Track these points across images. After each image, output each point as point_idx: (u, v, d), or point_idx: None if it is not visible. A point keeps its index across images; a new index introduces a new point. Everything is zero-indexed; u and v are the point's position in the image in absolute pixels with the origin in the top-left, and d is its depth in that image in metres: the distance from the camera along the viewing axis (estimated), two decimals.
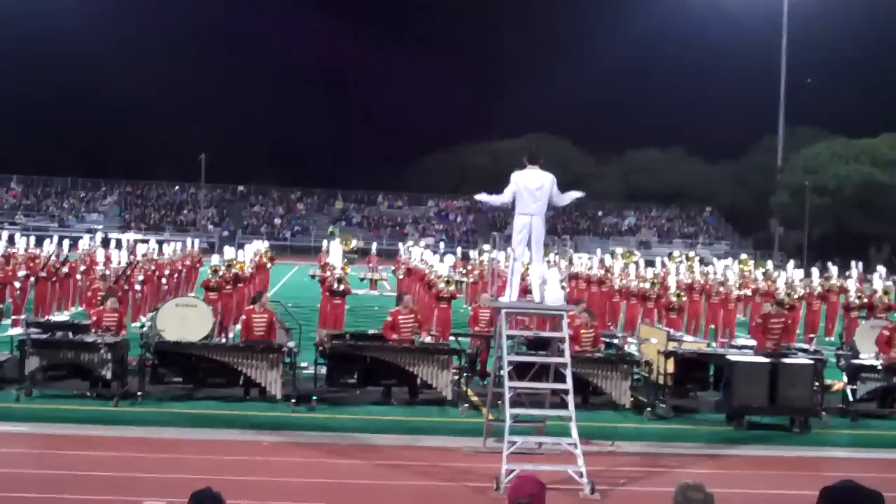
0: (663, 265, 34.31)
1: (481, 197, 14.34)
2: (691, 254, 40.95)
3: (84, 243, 32.20)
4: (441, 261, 29.30)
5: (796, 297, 28.21)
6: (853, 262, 35.79)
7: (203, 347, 16.76)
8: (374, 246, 45.68)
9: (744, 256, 37.83)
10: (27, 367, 15.97)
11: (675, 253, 41.69)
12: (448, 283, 24.50)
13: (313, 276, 31.78)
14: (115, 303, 17.51)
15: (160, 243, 33.91)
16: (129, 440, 14.10)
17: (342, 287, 23.81)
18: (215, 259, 25.05)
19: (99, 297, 19.15)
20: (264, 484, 12.08)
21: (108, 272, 24.51)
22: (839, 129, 79.80)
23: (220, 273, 23.76)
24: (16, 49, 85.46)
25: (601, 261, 33.89)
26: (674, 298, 25.69)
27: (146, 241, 34.14)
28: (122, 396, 15.99)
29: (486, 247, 39.75)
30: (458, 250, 41.85)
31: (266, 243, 39.56)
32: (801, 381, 16.11)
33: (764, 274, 32.18)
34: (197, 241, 38.14)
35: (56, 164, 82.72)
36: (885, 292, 26.81)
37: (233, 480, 11.14)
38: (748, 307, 30.78)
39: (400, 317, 17.74)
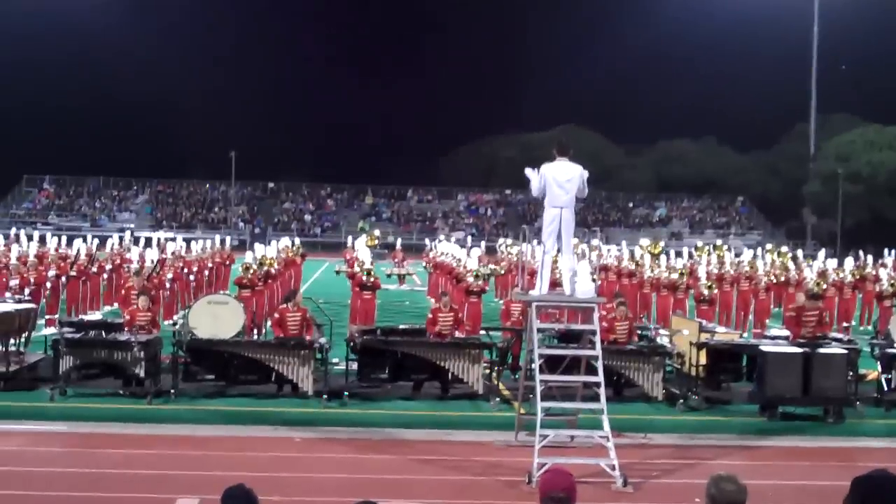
0: (691, 256, 34.16)
1: (529, 172, 13.81)
2: (718, 242, 40.76)
3: (112, 242, 32.50)
4: (468, 255, 29.33)
5: (825, 286, 27.92)
6: (886, 251, 35.47)
7: (235, 344, 16.84)
8: (399, 241, 45.64)
9: (770, 246, 37.61)
10: (61, 367, 16.10)
11: (700, 244, 41.51)
12: (477, 276, 24.47)
13: (339, 272, 31.98)
14: (148, 301, 17.60)
15: (187, 241, 34.12)
16: (163, 438, 14.20)
17: (372, 280, 23.84)
18: (248, 257, 25.19)
19: (132, 296, 19.26)
20: (297, 480, 12.13)
21: (141, 269, 24.66)
22: (872, 116, 79.01)
23: (252, 270, 23.86)
24: (46, 52, 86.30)
25: (631, 252, 33.77)
26: (705, 290, 25.55)
27: (174, 240, 34.37)
28: (156, 394, 16.08)
29: (507, 240, 39.73)
30: (483, 244, 41.63)
31: (297, 240, 39.73)
32: (835, 370, 15.97)
33: (794, 261, 31.93)
34: (228, 238, 38.29)
35: (88, 164, 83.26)
36: None
37: (265, 477, 11.20)
38: (782, 297, 30.55)
39: (440, 315, 17.82)
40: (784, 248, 35.35)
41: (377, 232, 35.51)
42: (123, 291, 22.55)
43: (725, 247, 37.59)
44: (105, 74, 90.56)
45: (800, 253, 37.40)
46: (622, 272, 31.08)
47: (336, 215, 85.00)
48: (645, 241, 37.13)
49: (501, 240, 40.51)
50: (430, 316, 18.07)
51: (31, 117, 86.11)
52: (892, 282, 27.60)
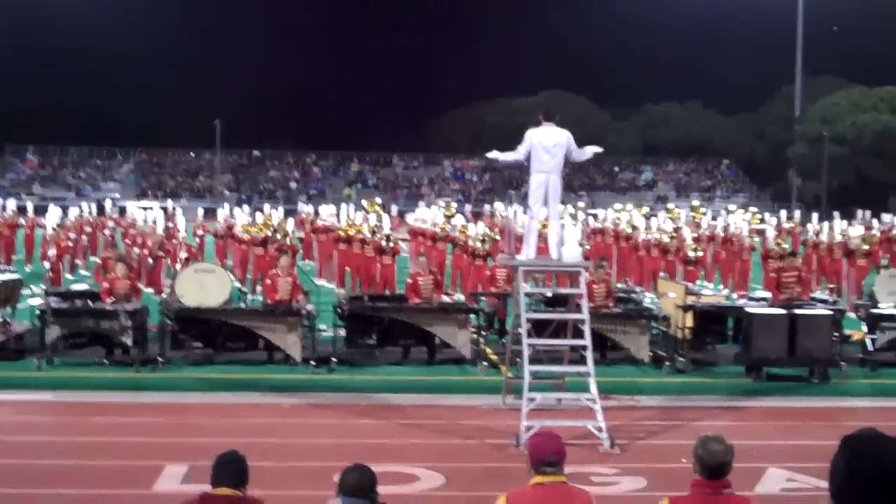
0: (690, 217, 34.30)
1: (493, 155, 14.24)
2: (695, 203, 40.84)
3: (74, 212, 32.31)
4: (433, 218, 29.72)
5: (785, 245, 27.85)
6: (860, 211, 35.73)
7: (222, 312, 16.80)
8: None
9: (732, 207, 37.91)
10: (48, 336, 16.05)
11: (671, 206, 41.59)
12: (483, 241, 24.57)
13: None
14: (126, 269, 17.52)
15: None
16: (151, 406, 14.22)
17: (391, 246, 24.03)
18: (290, 225, 26.23)
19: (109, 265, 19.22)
20: (286, 446, 12.17)
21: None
22: (856, 77, 79.00)
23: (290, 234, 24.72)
24: (29, 20, 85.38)
25: (629, 216, 33.74)
26: (691, 252, 25.64)
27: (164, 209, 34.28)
28: (143, 363, 16.07)
29: (500, 206, 39.67)
30: (433, 207, 41.08)
31: (306, 206, 39.64)
32: (820, 331, 16.05)
33: (762, 221, 32.15)
34: (236, 207, 38.28)
35: (71, 133, 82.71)
36: (863, 239, 26.54)
37: (255, 443, 11.20)
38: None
39: (420, 279, 17.79)
40: (754, 209, 35.55)
41: (378, 199, 35.31)
42: (100, 261, 22.55)
43: (702, 209, 37.67)
44: (88, 43, 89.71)
45: (783, 214, 37.55)
46: (620, 235, 31.08)
47: (322, 182, 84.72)
48: (618, 206, 37.21)
49: (497, 204, 40.28)
50: (409, 281, 18.02)
51: (13, 87, 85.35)
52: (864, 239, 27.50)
